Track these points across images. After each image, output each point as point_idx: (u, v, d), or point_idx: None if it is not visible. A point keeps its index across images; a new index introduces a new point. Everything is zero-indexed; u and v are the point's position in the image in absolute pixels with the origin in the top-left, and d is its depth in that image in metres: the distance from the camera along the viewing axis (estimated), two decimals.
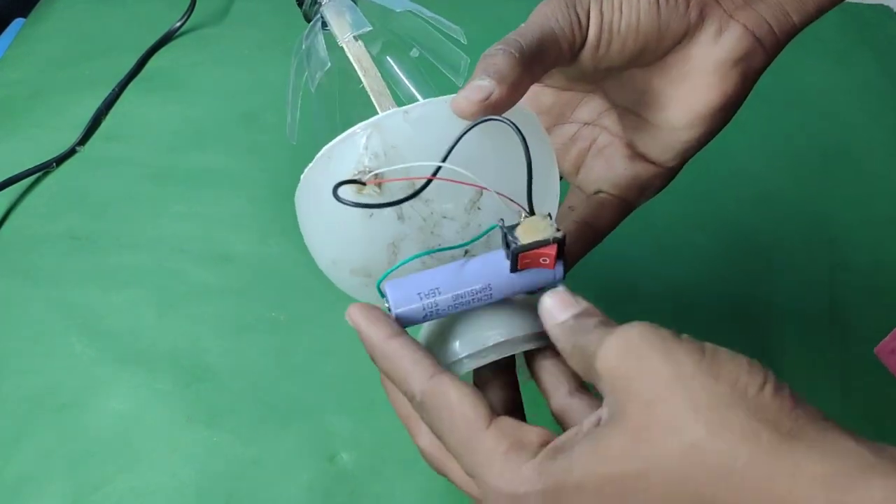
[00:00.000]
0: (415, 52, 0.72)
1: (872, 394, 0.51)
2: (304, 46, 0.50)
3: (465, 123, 0.33)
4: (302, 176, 0.38)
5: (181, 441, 0.48)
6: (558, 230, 0.30)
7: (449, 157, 0.32)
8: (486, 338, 0.33)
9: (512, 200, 0.32)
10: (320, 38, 0.48)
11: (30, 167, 0.62)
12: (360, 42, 0.47)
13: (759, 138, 0.68)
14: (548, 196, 0.39)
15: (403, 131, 0.34)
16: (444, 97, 0.35)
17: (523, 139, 0.31)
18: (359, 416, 0.49)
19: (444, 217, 0.35)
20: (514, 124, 0.32)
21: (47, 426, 0.48)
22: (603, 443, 0.25)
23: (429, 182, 0.32)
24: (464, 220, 0.36)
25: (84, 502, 0.45)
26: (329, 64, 0.46)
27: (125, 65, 0.72)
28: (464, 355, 0.34)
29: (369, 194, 0.33)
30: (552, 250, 0.30)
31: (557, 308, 0.30)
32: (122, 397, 0.49)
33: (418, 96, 0.51)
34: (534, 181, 0.32)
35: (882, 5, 0.82)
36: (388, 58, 0.51)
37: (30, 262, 0.58)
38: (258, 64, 0.72)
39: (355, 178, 0.33)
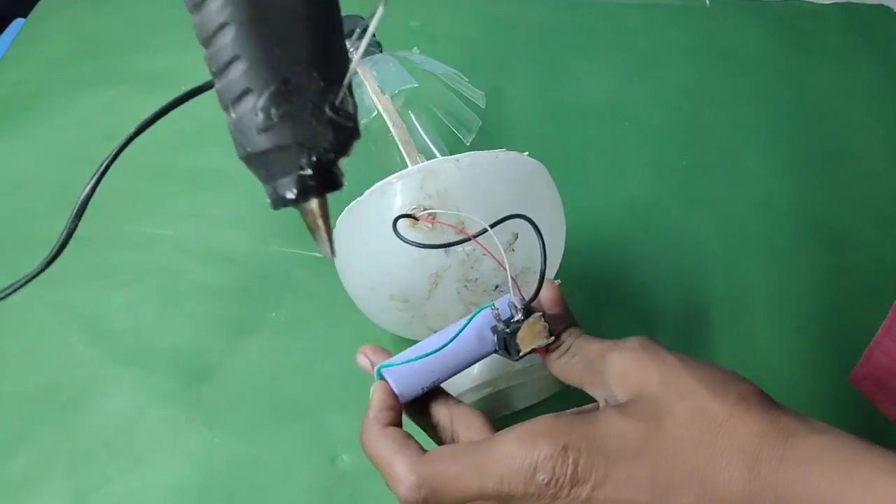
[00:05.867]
0: (415, 51, 0.73)
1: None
2: None
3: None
4: (347, 208, 0.42)
5: (182, 441, 0.48)
6: (550, 334, 0.33)
7: (489, 208, 0.37)
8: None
9: (517, 286, 0.35)
10: (364, 89, 0.52)
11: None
12: (387, 96, 0.50)
13: (760, 139, 0.68)
14: (556, 237, 0.45)
15: (454, 176, 0.39)
16: (490, 151, 0.41)
17: (541, 240, 0.35)
18: (359, 417, 0.48)
19: (484, 255, 0.39)
20: (534, 225, 0.35)
21: (47, 426, 0.48)
22: (627, 408, 0.30)
23: (467, 239, 0.36)
24: (500, 258, 0.40)
25: (84, 502, 0.45)
26: (375, 112, 0.50)
27: (125, 65, 0.72)
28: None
29: (421, 229, 0.38)
30: (542, 351, 0.34)
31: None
32: (122, 397, 0.49)
33: (432, 147, 0.56)
34: (545, 221, 0.37)
35: (882, 5, 0.82)
36: (409, 112, 0.54)
37: (30, 262, 0.58)
38: None
39: (412, 213, 0.38)
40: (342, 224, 0.43)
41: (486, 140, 0.67)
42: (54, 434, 0.48)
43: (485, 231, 0.35)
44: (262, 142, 0.27)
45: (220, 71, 0.28)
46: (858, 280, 0.58)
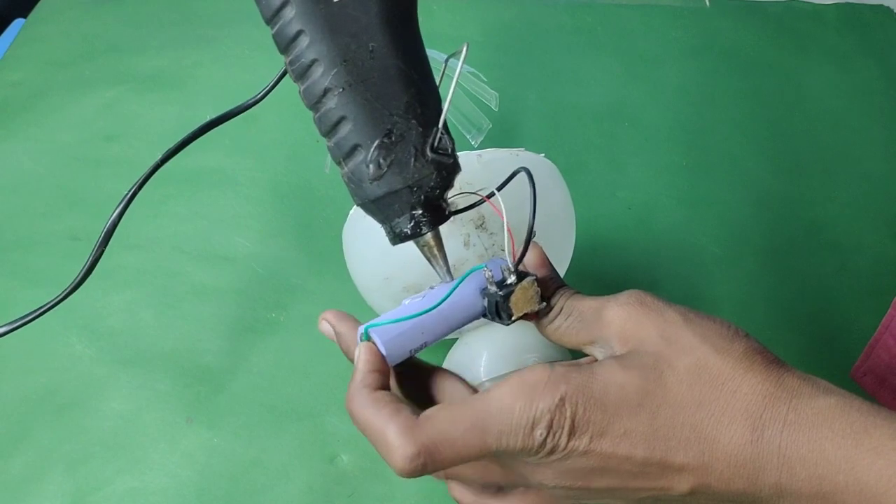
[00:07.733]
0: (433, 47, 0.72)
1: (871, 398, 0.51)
2: None
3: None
4: None
5: (181, 442, 0.48)
6: (542, 300, 0.33)
7: (506, 202, 0.35)
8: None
9: (514, 250, 0.35)
10: None
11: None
12: None
13: (760, 140, 0.68)
14: (566, 238, 0.46)
15: (475, 170, 0.40)
16: (509, 150, 0.42)
17: (533, 191, 0.34)
18: None
19: (502, 249, 0.40)
20: (530, 176, 0.34)
21: (47, 426, 0.48)
22: (626, 361, 0.29)
23: (482, 201, 0.36)
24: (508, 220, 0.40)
25: (83, 503, 0.45)
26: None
27: (125, 65, 0.72)
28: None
29: None
30: (533, 316, 0.33)
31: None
32: (122, 397, 0.49)
33: None
34: (557, 222, 0.40)
35: (882, 6, 0.82)
36: None
37: (30, 262, 0.58)
38: (258, 64, 0.72)
39: None
40: (356, 214, 0.43)
41: (485, 140, 0.67)
42: (53, 434, 0.48)
43: (492, 195, 0.35)
44: (376, 190, 0.31)
45: (329, 131, 0.31)
46: (858, 280, 0.58)
